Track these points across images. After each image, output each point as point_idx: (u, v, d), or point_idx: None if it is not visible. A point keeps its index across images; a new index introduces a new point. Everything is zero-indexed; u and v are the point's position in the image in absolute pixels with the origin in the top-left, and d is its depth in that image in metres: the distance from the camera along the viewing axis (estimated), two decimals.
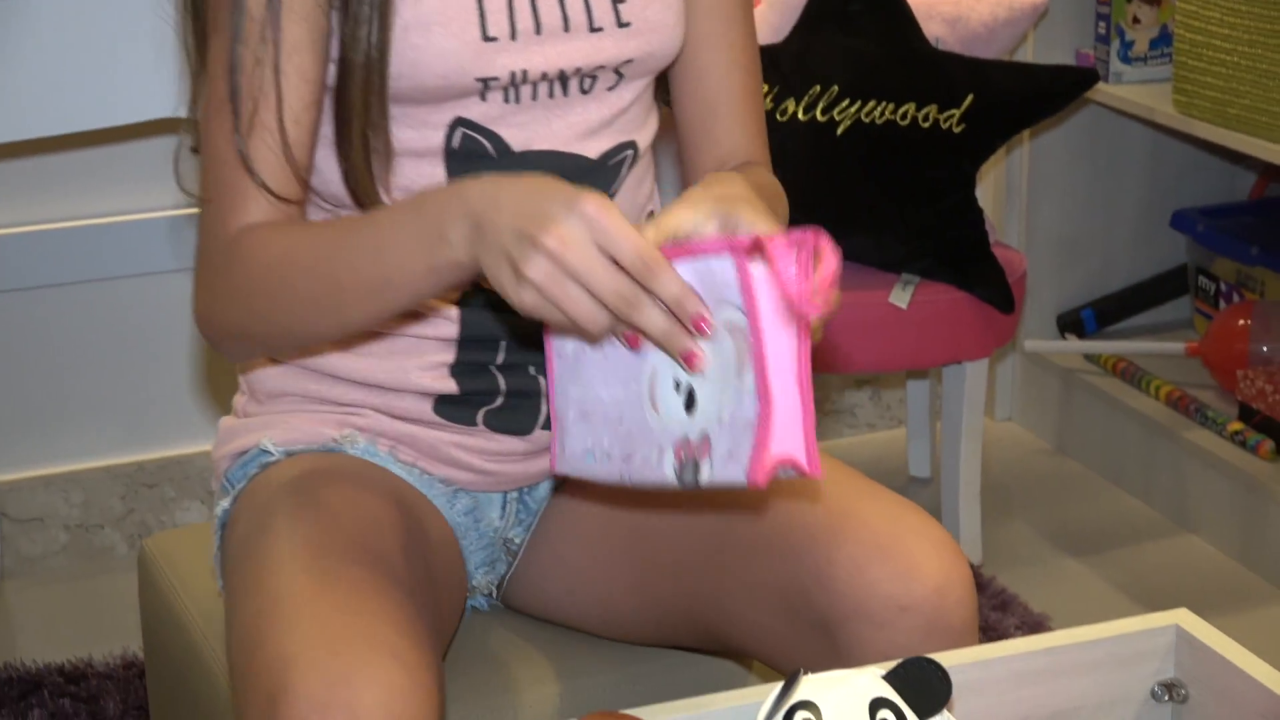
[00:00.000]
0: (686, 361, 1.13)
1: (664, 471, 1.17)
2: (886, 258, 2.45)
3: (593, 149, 1.40)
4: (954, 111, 2.40)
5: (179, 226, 2.50)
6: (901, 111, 2.39)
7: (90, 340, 2.59)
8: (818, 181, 2.40)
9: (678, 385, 1.15)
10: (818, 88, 2.40)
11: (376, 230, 1.22)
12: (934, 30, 2.50)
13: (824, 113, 2.39)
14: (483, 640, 1.50)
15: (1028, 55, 2.83)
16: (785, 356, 1.11)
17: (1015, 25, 2.55)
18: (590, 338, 1.18)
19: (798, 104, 2.40)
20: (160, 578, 1.60)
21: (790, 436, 1.11)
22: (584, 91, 1.38)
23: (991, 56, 2.52)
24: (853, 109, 2.39)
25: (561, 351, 1.24)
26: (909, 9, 2.46)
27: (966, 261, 2.43)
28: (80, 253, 2.53)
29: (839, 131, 2.39)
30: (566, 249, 1.10)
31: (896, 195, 2.42)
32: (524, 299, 1.12)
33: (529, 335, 1.39)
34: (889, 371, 2.92)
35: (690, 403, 1.14)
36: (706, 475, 1.14)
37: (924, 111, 2.40)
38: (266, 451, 1.41)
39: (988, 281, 2.42)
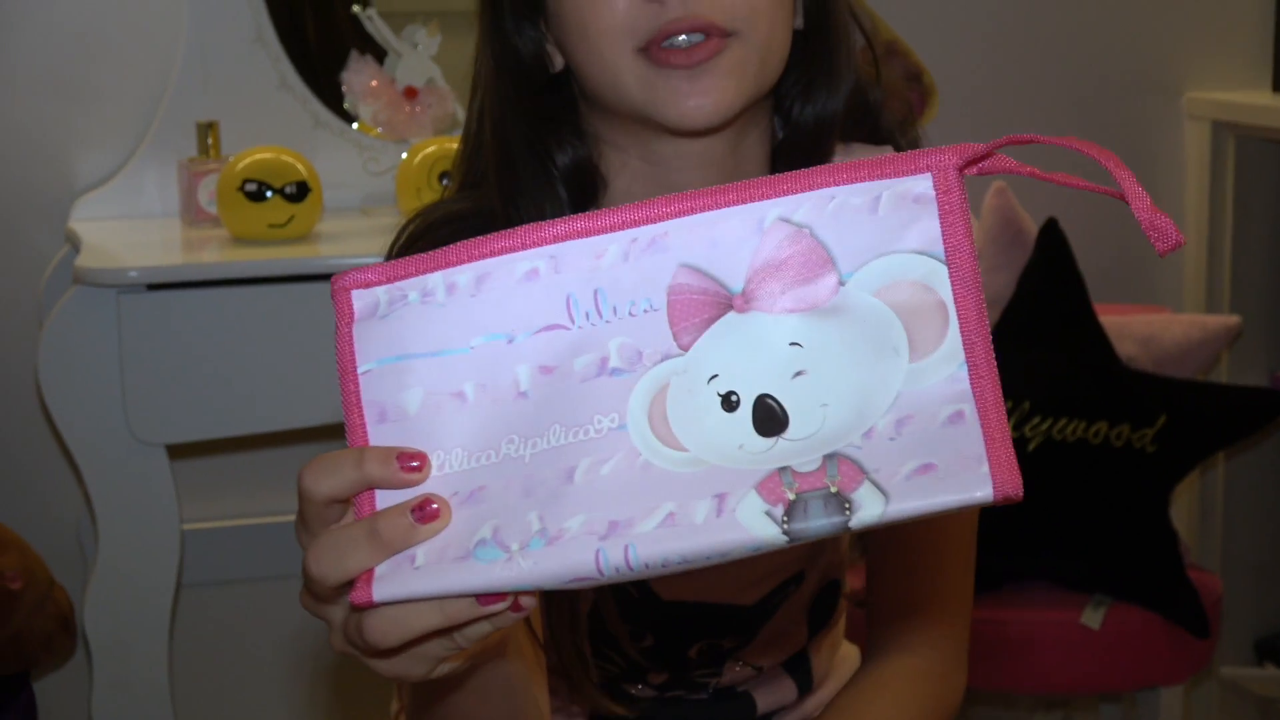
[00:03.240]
0: None
1: (734, 528, 0.78)
2: (1078, 578, 2.38)
3: (753, 595, 1.34)
4: (1147, 431, 2.35)
5: None
6: (1094, 430, 2.35)
7: (279, 635, 2.59)
8: None
9: (730, 398, 0.81)
10: (1009, 403, 2.37)
11: None
12: (1126, 349, 2.46)
13: (1015, 429, 2.36)
14: None
15: (1221, 376, 2.78)
16: (976, 302, 0.80)
17: (1209, 346, 2.51)
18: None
19: None
20: None
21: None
22: None
23: (1185, 377, 2.47)
24: (1044, 426, 2.36)
25: (393, 408, 0.85)
26: (1101, 327, 2.44)
27: (1160, 584, 2.36)
28: (269, 548, 2.55)
29: (1030, 448, 2.35)
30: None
31: (1088, 514, 2.36)
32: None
33: None
34: (1081, 694, 2.81)
35: (768, 416, 0.80)
36: (872, 511, 0.78)
37: (1116, 430, 2.35)
38: None
39: (1182, 605, 2.34)
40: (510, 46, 1.23)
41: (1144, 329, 2.50)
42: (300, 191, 2.33)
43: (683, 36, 1.14)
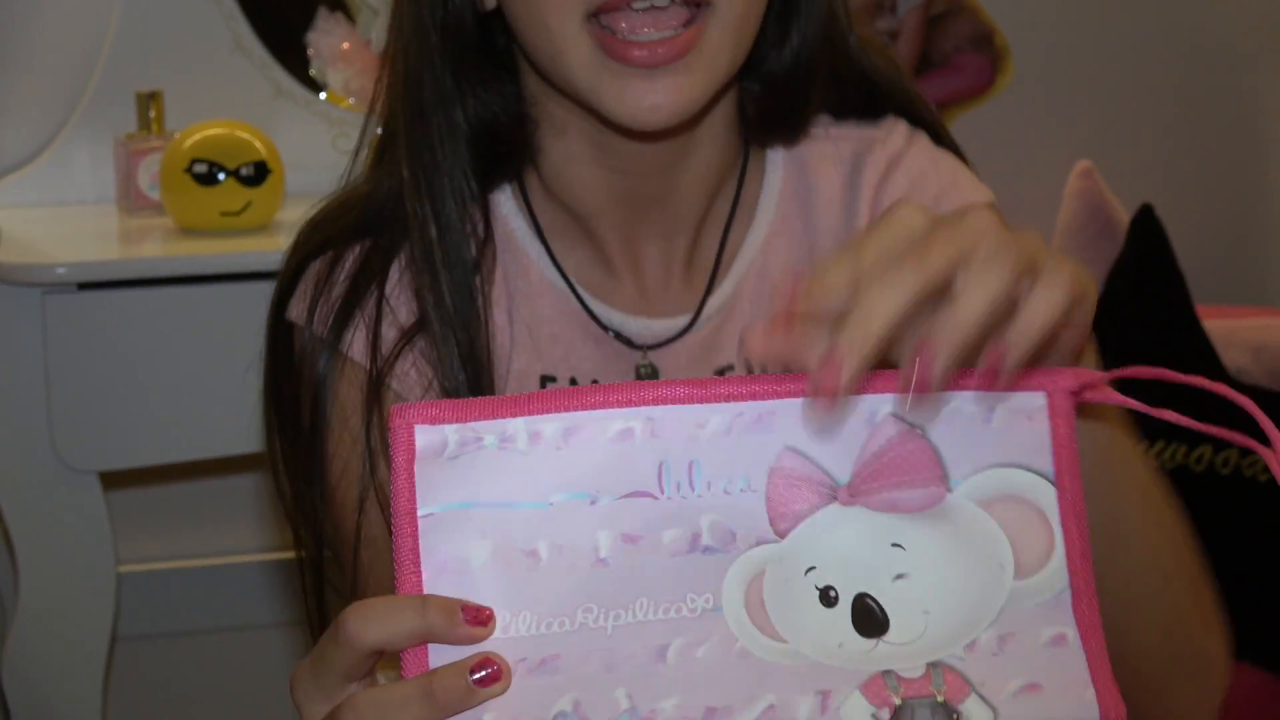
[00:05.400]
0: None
1: None
2: None
3: None
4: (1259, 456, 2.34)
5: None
6: (1196, 455, 2.34)
7: (228, 694, 2.58)
8: None
9: (829, 593, 0.89)
10: None
11: None
12: (1235, 360, 2.45)
13: None
14: None
15: None
16: (1081, 529, 0.91)
17: None
18: None
19: None
20: None
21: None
22: None
23: None
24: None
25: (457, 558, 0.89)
26: (1205, 334, 2.43)
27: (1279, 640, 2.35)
28: (218, 595, 2.55)
29: None
30: None
31: None
32: None
33: None
34: None
35: (867, 617, 0.89)
36: None
37: (1223, 456, 2.35)
38: None
39: None
40: None
41: (1256, 336, 2.49)
42: (258, 173, 2.32)
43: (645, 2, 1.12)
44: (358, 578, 1.25)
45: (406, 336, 1.24)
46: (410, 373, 1.24)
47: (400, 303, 1.25)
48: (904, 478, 0.88)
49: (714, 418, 0.88)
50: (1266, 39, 2.89)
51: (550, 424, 0.87)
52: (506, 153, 1.25)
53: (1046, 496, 0.90)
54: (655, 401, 0.87)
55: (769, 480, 0.88)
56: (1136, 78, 2.86)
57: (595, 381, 1.25)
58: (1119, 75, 2.85)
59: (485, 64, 1.24)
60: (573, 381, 1.26)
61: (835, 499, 0.88)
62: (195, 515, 2.58)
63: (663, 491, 0.87)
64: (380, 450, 1.23)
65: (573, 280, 1.27)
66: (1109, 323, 2.45)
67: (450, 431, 0.88)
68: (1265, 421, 0.87)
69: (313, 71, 2.55)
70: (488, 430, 0.87)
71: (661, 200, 1.25)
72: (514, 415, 0.87)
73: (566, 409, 0.87)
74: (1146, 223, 2.49)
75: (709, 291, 1.27)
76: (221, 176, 2.30)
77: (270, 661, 2.57)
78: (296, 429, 1.29)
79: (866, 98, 1.31)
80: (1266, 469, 2.34)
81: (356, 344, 1.25)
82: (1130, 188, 2.66)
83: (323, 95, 2.58)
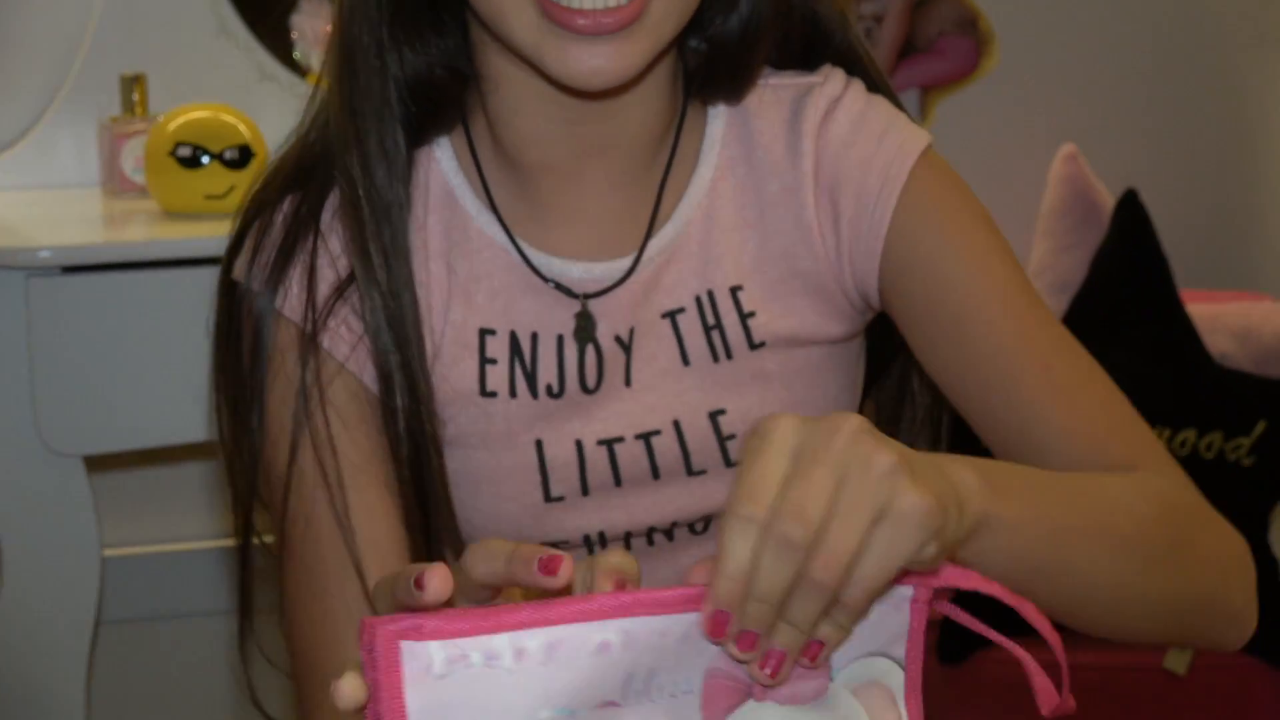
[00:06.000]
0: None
1: None
2: None
3: None
4: (1243, 441, 2.35)
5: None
6: (1180, 439, 2.35)
7: (213, 680, 2.59)
8: None
9: None
10: None
11: None
12: (1219, 345, 2.46)
13: None
14: None
15: None
16: (918, 705, 0.99)
17: None
18: None
19: None
20: None
21: None
22: (697, 533, 1.31)
23: None
24: None
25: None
26: (1190, 320, 2.43)
27: (1257, 620, 2.35)
28: (203, 579, 2.55)
29: None
30: None
31: None
32: None
33: None
34: None
35: None
36: None
37: (1207, 440, 2.35)
38: None
39: None
40: None
41: (1240, 320, 2.49)
42: (243, 157, 2.32)
43: None
44: (286, 526, 1.27)
45: (338, 292, 1.25)
46: (341, 328, 1.24)
47: (336, 252, 1.26)
48: (800, 670, 0.92)
49: (676, 627, 0.89)
50: (1252, 23, 2.89)
51: (534, 640, 0.86)
52: (442, 107, 1.25)
53: (896, 680, 0.96)
54: (630, 611, 0.88)
55: (704, 682, 0.91)
56: (1121, 61, 2.86)
57: (535, 335, 1.26)
58: (1103, 59, 2.85)
59: (425, 15, 1.24)
60: (512, 335, 1.26)
61: (751, 695, 0.92)
62: (180, 499, 2.59)
63: (624, 699, 0.89)
64: (315, 399, 1.24)
65: (513, 231, 1.27)
66: (1093, 307, 2.46)
67: (435, 649, 0.85)
68: (1049, 634, 0.98)
69: (296, 54, 2.56)
70: (473, 648, 0.85)
71: (606, 148, 1.26)
72: (497, 630, 0.85)
73: (548, 622, 0.86)
74: (1131, 207, 2.50)
75: (649, 235, 1.28)
76: (205, 160, 2.31)
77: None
78: (238, 382, 1.30)
79: (806, 45, 1.31)
80: (1250, 453, 2.34)
81: (291, 296, 1.25)
82: (1115, 171, 2.67)
83: (307, 79, 2.58)
